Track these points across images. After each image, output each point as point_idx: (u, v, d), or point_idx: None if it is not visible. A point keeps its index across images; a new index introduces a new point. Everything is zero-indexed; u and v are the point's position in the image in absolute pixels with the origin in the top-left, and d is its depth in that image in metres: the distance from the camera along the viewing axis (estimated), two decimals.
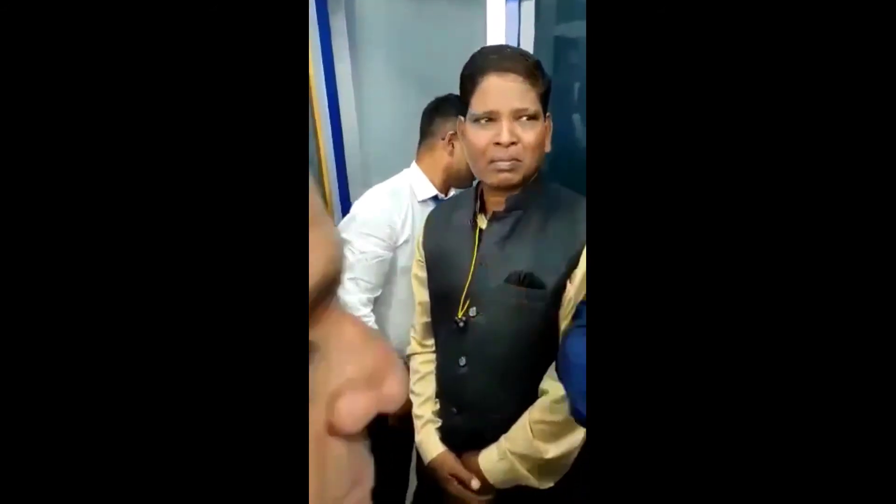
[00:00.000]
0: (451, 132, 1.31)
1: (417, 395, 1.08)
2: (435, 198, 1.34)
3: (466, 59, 0.93)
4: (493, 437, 0.97)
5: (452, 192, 1.39)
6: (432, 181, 1.34)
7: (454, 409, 1.00)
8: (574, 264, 0.91)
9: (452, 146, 1.32)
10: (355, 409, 0.20)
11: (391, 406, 0.21)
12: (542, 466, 0.91)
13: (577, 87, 1.51)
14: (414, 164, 1.37)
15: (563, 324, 0.93)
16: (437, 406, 1.06)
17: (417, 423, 1.06)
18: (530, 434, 0.91)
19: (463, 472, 0.97)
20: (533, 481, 0.92)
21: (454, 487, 0.98)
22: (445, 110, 1.33)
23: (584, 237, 0.90)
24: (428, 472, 1.04)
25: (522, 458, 0.91)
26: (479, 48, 0.93)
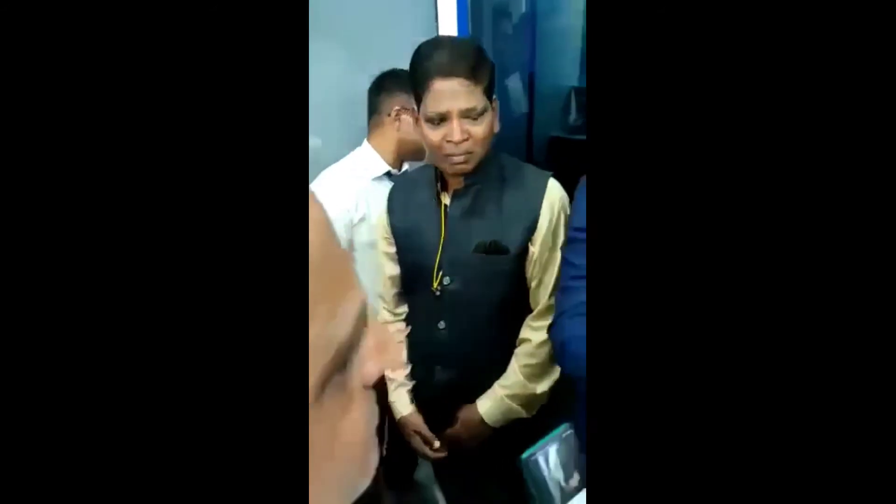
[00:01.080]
0: (396, 107, 1.34)
1: None
2: (388, 174, 1.38)
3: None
4: (477, 384, 1.12)
5: (406, 167, 1.43)
6: (384, 158, 1.38)
7: (439, 367, 1.14)
8: (533, 228, 1.04)
9: (399, 121, 1.34)
10: (371, 370, 0.31)
11: (395, 366, 0.33)
12: (532, 401, 1.11)
13: (512, 53, 1.58)
14: (365, 142, 1.40)
15: (533, 283, 1.07)
16: (408, 370, 1.20)
17: (391, 385, 1.22)
18: (521, 377, 1.08)
19: (426, 431, 1.16)
20: (524, 413, 1.11)
21: (416, 442, 1.18)
22: (389, 86, 1.35)
23: (536, 203, 1.03)
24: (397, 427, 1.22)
25: (517, 397, 1.10)
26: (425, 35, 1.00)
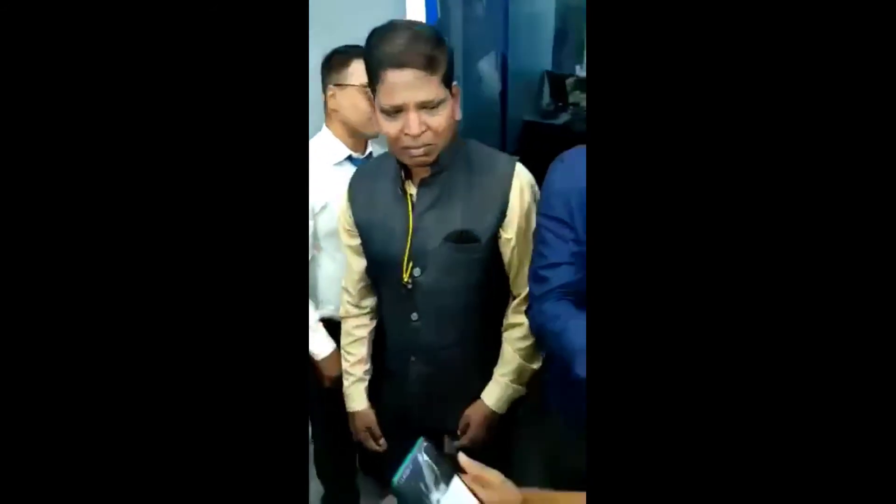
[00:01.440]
0: (331, 86, 1.25)
1: (351, 354, 1.21)
2: (349, 157, 1.30)
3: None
4: (455, 375, 1.11)
5: (371, 149, 1.35)
6: (342, 141, 1.30)
7: (414, 359, 1.11)
8: (503, 214, 1.00)
9: (335, 98, 1.26)
10: None
11: None
12: (528, 377, 1.12)
13: (483, 37, 1.52)
14: (324, 127, 1.33)
15: (513, 271, 1.04)
16: (368, 366, 1.21)
17: (349, 380, 1.21)
18: (520, 360, 1.09)
19: (376, 429, 1.21)
20: (524, 392, 1.13)
21: (364, 436, 1.23)
22: (333, 64, 1.27)
23: (505, 189, 0.99)
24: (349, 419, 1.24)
25: (519, 379, 1.11)
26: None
